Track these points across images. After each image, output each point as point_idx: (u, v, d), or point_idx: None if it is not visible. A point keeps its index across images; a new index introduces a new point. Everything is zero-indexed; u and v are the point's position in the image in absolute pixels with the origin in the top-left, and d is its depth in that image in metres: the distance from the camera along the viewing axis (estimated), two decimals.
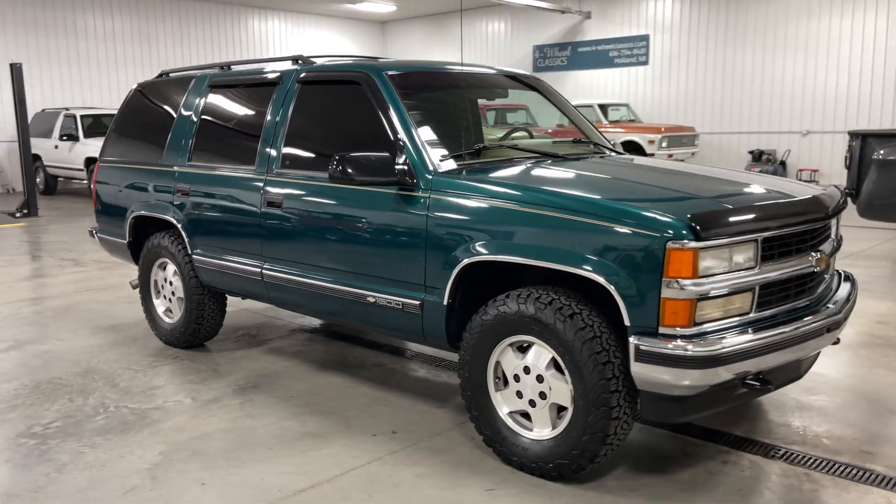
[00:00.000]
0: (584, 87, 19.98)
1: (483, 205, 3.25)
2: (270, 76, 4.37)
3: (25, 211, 12.29)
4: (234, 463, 3.34)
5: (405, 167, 3.47)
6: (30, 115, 14.63)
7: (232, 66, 4.83)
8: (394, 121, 3.62)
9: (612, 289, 2.86)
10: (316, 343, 5.18)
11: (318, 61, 4.37)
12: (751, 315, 2.94)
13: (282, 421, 3.81)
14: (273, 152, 4.16)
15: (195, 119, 4.75)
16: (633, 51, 19.19)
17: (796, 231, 3.07)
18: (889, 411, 3.90)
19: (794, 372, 3.28)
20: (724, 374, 2.81)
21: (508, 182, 3.33)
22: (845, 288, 3.60)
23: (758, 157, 17.37)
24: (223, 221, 4.46)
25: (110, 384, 4.37)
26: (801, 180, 16.23)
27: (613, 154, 4.29)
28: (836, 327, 3.18)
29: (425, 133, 3.64)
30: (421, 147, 3.53)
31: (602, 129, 16.74)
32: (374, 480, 3.17)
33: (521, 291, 3.13)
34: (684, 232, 2.71)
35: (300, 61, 4.32)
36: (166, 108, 5.03)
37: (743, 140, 17.77)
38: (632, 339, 2.82)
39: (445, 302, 3.37)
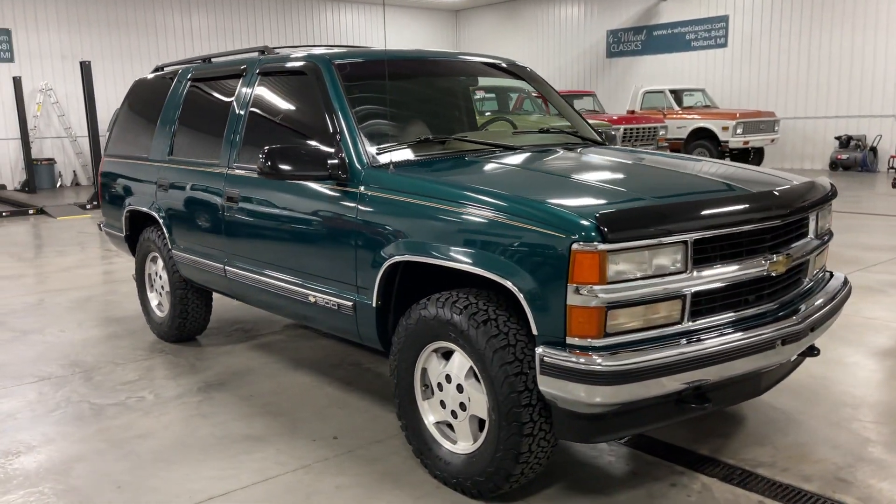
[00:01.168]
0: (658, 72, 19.22)
1: (404, 201, 3.06)
2: (237, 68, 4.29)
3: (95, 203, 12.82)
4: (162, 465, 3.28)
5: (339, 161, 3.31)
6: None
7: (212, 59, 4.78)
8: (333, 112, 3.46)
9: (519, 294, 2.62)
10: (304, 339, 5.10)
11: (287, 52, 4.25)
12: (682, 325, 2.63)
13: (231, 421, 3.74)
14: (233, 146, 4.08)
15: (176, 113, 4.74)
16: (711, 33, 18.30)
17: (744, 231, 2.73)
18: (881, 430, 3.46)
19: (750, 388, 2.93)
20: (641, 390, 2.52)
21: (429, 178, 3.10)
22: (827, 293, 3.21)
23: (845, 143, 16.25)
24: (194, 217, 4.42)
25: (86, 378, 4.41)
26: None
27: (591, 146, 3.98)
28: (795, 339, 2.81)
29: (367, 125, 3.46)
30: (357, 140, 3.35)
31: (673, 117, 16.08)
32: (291, 490, 3.04)
33: (441, 295, 2.92)
34: (591, 233, 2.43)
35: (265, 52, 4.22)
36: (156, 102, 5.04)
37: (830, 125, 16.67)
38: (538, 350, 2.56)
39: (374, 304, 3.19)
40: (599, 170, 3.35)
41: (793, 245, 2.97)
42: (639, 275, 2.51)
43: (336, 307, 3.40)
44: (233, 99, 4.20)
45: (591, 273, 2.44)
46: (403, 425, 3.16)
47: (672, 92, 16.67)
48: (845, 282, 3.45)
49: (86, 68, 12.86)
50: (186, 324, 4.91)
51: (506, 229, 2.67)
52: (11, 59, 16.73)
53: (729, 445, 3.34)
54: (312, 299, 3.54)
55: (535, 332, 2.60)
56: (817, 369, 4.21)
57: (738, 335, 2.69)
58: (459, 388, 2.91)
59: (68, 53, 17.20)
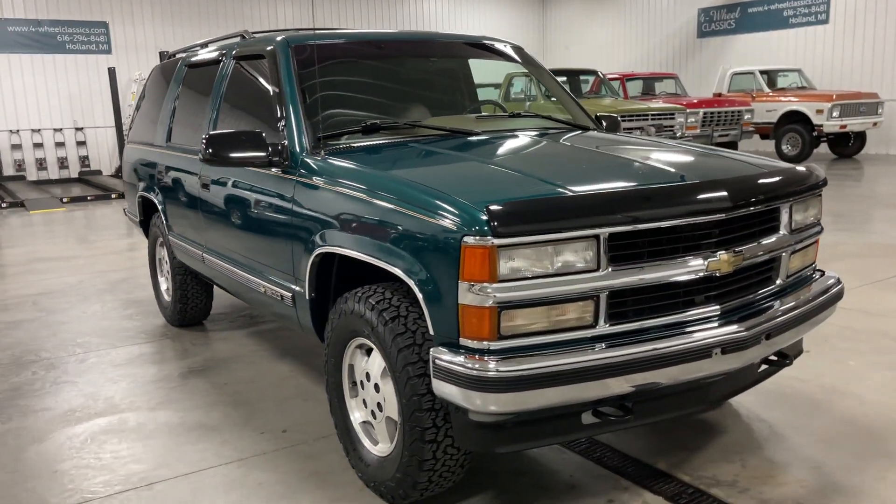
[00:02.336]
0: (753, 51, 18.14)
1: (326, 189, 2.92)
2: (218, 54, 4.25)
3: None
4: (113, 452, 3.29)
5: (280, 147, 3.20)
6: None
7: (209, 45, 4.78)
8: (281, 96, 3.36)
9: (415, 289, 2.44)
10: None
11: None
12: (597, 328, 2.37)
13: (193, 409, 3.72)
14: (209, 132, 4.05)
15: (173, 100, 4.77)
16: (812, 8, 17.10)
17: (677, 225, 2.43)
18: (878, 452, 3.05)
19: (694, 399, 2.63)
20: (542, 399, 2.28)
21: (350, 165, 2.91)
22: (804, 295, 2.85)
23: None
24: (182, 203, 4.43)
25: (80, 360, 4.52)
26: None
27: (573, 132, 3.69)
28: (738, 347, 2.49)
29: (314, 109, 3.33)
30: (300, 125, 3.23)
31: (763, 99, 15.13)
32: (214, 484, 2.97)
33: (360, 289, 2.77)
34: (482, 226, 2.21)
35: (245, 36, 4.16)
36: (163, 89, 5.09)
37: None
38: (431, 351, 2.37)
39: (308, 295, 3.08)
40: (542, 157, 3.09)
41: (749, 241, 2.63)
42: (539, 272, 2.27)
43: (280, 297, 3.31)
44: (213, 85, 4.17)
45: (482, 270, 2.23)
46: (335, 423, 3.03)
47: (764, 73, 15.68)
48: (835, 283, 3.06)
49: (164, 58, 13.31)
50: (187, 309, 4.96)
51: (404, 219, 2.49)
52: (109, 51, 17.59)
53: (692, 460, 3.04)
54: (262, 288, 3.47)
55: (430, 331, 2.42)
56: (829, 379, 3.79)
57: (665, 342, 2.40)
58: (377, 388, 2.75)
59: (161, 45, 17.90)
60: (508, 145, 3.22)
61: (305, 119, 3.24)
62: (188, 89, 4.62)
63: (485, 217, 2.21)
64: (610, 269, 2.34)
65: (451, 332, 2.34)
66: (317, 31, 3.81)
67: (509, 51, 4.18)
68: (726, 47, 18.81)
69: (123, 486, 2.98)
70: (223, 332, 4.98)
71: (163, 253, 5.17)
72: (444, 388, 2.33)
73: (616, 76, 15.13)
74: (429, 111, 3.66)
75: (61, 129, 17.20)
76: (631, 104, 12.02)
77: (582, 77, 13.80)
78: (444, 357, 2.31)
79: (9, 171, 16.57)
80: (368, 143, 3.21)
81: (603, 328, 2.38)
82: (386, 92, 3.70)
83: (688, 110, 12.78)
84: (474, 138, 3.28)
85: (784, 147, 14.97)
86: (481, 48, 4.13)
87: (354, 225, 2.73)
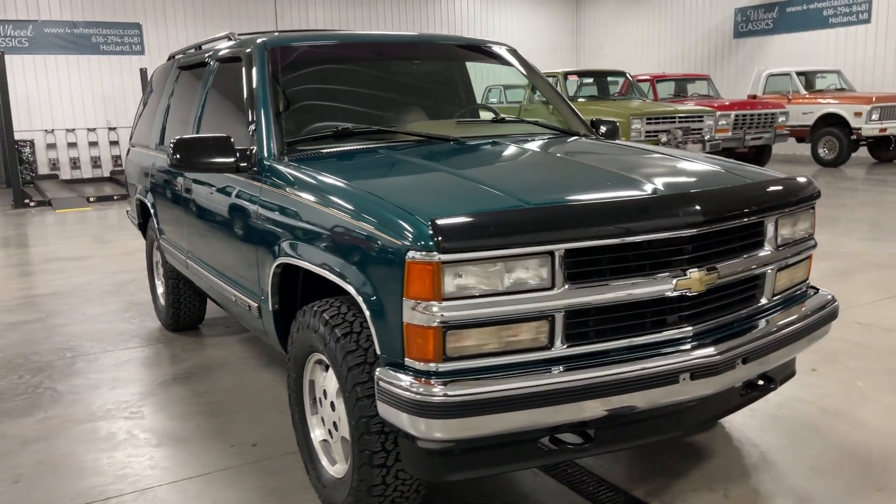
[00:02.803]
0: (791, 52, 17.65)
1: (286, 197, 2.81)
2: (204, 57, 4.18)
3: None
4: (72, 462, 3.23)
5: (249, 151, 3.10)
6: None
7: (202, 46, 4.71)
8: (253, 99, 3.26)
9: (362, 306, 2.31)
10: None
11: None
12: (553, 350, 2.22)
13: (167, 419, 3.65)
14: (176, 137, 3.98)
15: (167, 102, 4.72)
16: (852, 7, 16.57)
17: (641, 241, 2.26)
18: (873, 484, 2.84)
19: (665, 426, 2.45)
20: (492, 425, 2.14)
21: (311, 172, 2.77)
22: (792, 315, 2.66)
23: None
24: (169, 207, 4.38)
25: (67, 364, 4.49)
26: None
27: (557, 138, 3.51)
28: (709, 372, 2.31)
29: (289, 114, 3.23)
30: (270, 129, 3.12)
31: (800, 101, 14.70)
32: (170, 500, 2.88)
33: (318, 302, 2.66)
34: (426, 241, 2.08)
35: (229, 38, 4.07)
36: (161, 91, 5.05)
37: None
38: (377, 372, 2.24)
39: (271, 307, 2.97)
40: (511, 167, 2.93)
41: (727, 258, 2.45)
42: (487, 291, 2.13)
43: (248, 307, 3.22)
44: (198, 88, 4.10)
45: (427, 287, 2.09)
46: (297, 439, 2.92)
47: (801, 74, 15.22)
48: (829, 301, 2.86)
49: None
50: (181, 313, 4.90)
51: (353, 231, 2.37)
52: (142, 52, 17.80)
53: (673, 487, 2.86)
54: (234, 297, 3.38)
55: (378, 350, 2.29)
56: (833, 400, 3.57)
57: (627, 366, 2.24)
58: (332, 406, 2.64)
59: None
60: (481, 153, 3.07)
61: (275, 123, 3.14)
62: (179, 91, 4.56)
63: (430, 231, 2.08)
64: (566, 288, 2.19)
65: (396, 352, 2.21)
66: (302, 33, 3.72)
67: (503, 53, 4.03)
68: (763, 48, 18.34)
69: (75, 501, 2.90)
70: (216, 338, 4.91)
71: (158, 256, 5.12)
72: (388, 412, 2.20)
73: (646, 77, 14.83)
74: (412, 116, 3.53)
75: (95, 129, 17.46)
76: (658, 106, 11.74)
77: (610, 78, 13.53)
78: (388, 379, 2.19)
79: (43, 169, 16.87)
80: (339, 150, 3.09)
81: (559, 350, 2.23)
82: (368, 96, 3.58)
83: (718, 113, 12.44)
84: (449, 145, 3.14)
85: (821, 151, 14.52)
86: (472, 50, 3.99)
87: (309, 235, 2.62)
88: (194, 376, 4.22)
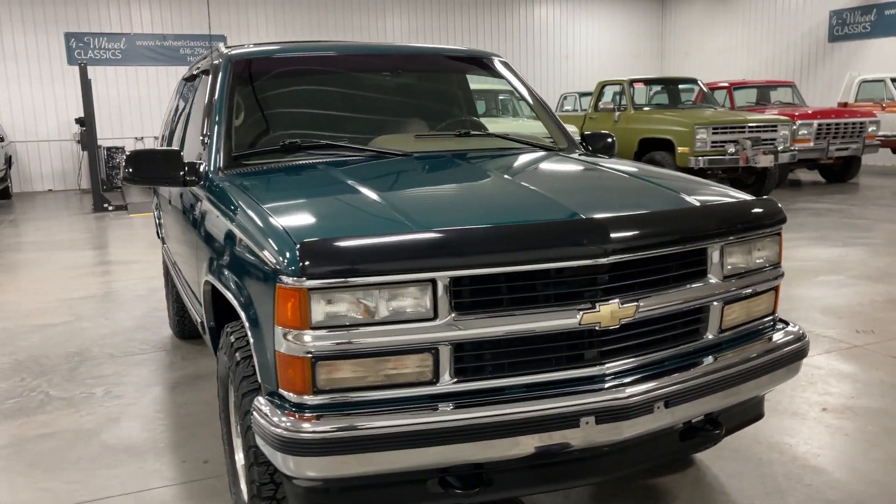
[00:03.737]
0: (890, 57, 16.50)
1: (212, 213, 2.75)
2: (201, 68, 4.20)
3: None
4: (36, 469, 3.27)
5: (197, 165, 3.06)
6: None
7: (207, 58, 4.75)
8: (210, 111, 3.23)
9: (247, 330, 2.22)
10: None
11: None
12: (438, 386, 2.06)
13: (136, 429, 3.67)
14: (179, 146, 4.01)
15: (176, 111, 4.79)
16: None
17: (544, 269, 2.07)
18: None
19: (586, 472, 2.23)
20: (366, 465, 2.00)
21: (232, 188, 2.68)
22: (741, 353, 2.39)
23: None
24: (164, 216, 4.44)
25: (72, 368, 4.60)
26: None
27: (524, 153, 3.28)
28: (617, 416, 2.08)
29: (237, 126, 3.18)
30: (219, 142, 3.08)
31: (895, 109, 13.72)
32: None
33: (234, 323, 2.58)
34: (293, 266, 1.96)
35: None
36: (173, 102, 5.14)
37: None
38: (255, 402, 2.14)
39: (207, 325, 2.92)
40: (431, 186, 2.75)
41: (653, 289, 2.22)
42: (361, 320, 1.99)
43: (198, 322, 3.19)
44: (188, 100, 4.13)
45: (295, 315, 1.98)
46: (225, 459, 2.85)
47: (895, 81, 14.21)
48: (794, 339, 2.55)
49: None
50: (185, 321, 4.96)
51: (244, 251, 2.29)
52: None
53: None
54: (192, 310, 3.36)
55: (258, 378, 2.19)
56: (821, 447, 3.22)
57: (519, 406, 2.05)
58: None
59: None
60: (418, 170, 2.91)
61: (224, 137, 3.09)
62: (181, 103, 4.61)
63: (297, 255, 1.96)
64: (452, 319, 2.02)
65: (272, 382, 2.10)
66: (282, 44, 3.67)
67: (487, 63, 3.86)
68: (859, 53, 17.24)
69: None
70: None
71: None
72: (262, 445, 2.09)
73: (724, 85, 14.18)
74: (378, 129, 3.40)
75: None
76: (727, 115, 11.16)
77: (682, 86, 12.99)
78: (261, 410, 2.07)
79: None
80: (281, 165, 3.01)
81: (447, 386, 2.06)
82: (332, 108, 3.49)
83: (797, 122, 11.74)
84: (396, 161, 2.99)
85: None
86: (452, 60, 3.84)
87: (219, 253, 2.56)
88: (180, 386, 4.24)
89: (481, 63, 3.92)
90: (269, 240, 2.10)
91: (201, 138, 3.18)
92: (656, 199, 2.50)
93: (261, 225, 2.22)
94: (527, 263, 2.05)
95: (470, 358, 2.08)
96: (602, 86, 12.49)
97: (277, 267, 2.00)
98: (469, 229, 2.09)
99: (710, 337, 2.39)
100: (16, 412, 3.94)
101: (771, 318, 2.60)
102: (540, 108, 3.75)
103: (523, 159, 3.13)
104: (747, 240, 2.43)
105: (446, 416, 2.01)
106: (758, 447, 3.23)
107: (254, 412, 2.10)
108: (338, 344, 1.98)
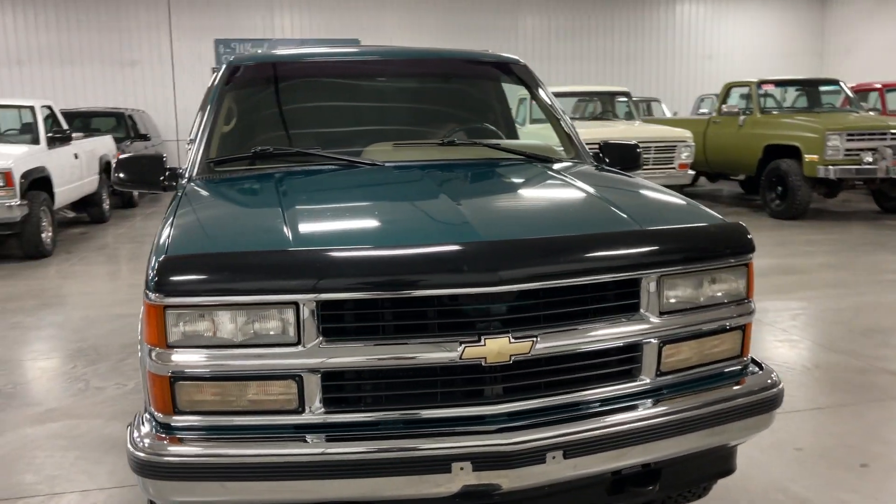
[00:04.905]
0: None
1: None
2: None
3: None
4: (22, 459, 3.45)
5: (179, 171, 3.08)
6: None
7: None
8: (199, 117, 3.24)
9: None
10: None
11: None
12: (305, 415, 1.92)
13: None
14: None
15: None
16: None
17: (422, 297, 1.88)
18: None
19: None
20: (220, 494, 1.90)
21: (188, 198, 2.63)
22: (692, 398, 2.08)
23: None
24: None
25: (119, 360, 4.83)
26: None
27: (508, 165, 3.03)
28: (497, 464, 1.86)
29: (225, 134, 3.18)
30: (200, 148, 3.07)
31: None
32: None
33: None
34: (152, 282, 1.90)
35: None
36: None
37: None
38: (135, 420, 2.09)
39: None
40: (364, 200, 2.59)
41: (558, 324, 1.97)
42: (217, 342, 1.89)
43: None
44: None
45: (154, 332, 1.92)
46: None
47: None
48: (765, 386, 2.19)
49: None
50: None
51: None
52: None
53: None
54: None
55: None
56: None
57: (381, 443, 1.88)
58: None
59: None
60: (366, 182, 2.73)
61: (205, 143, 3.09)
62: None
63: (156, 270, 1.89)
64: (319, 345, 1.88)
65: (147, 402, 2.04)
66: (286, 52, 3.65)
67: (498, 69, 3.65)
68: None
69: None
70: None
71: None
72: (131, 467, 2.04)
73: (876, 86, 12.84)
74: (370, 137, 3.27)
75: None
76: (864, 121, 10.06)
77: (823, 88, 11.86)
78: (136, 430, 2.02)
79: None
80: (244, 173, 2.94)
81: (313, 416, 1.93)
82: (323, 115, 3.41)
83: None
84: (356, 171, 2.85)
85: None
86: (461, 64, 3.65)
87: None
88: None
89: (495, 66, 3.70)
90: (154, 252, 2.04)
91: (188, 144, 3.20)
92: (595, 221, 2.22)
93: (161, 235, 2.17)
94: (400, 289, 1.87)
95: (342, 388, 1.93)
96: (728, 88, 11.66)
97: (146, 281, 1.95)
98: (333, 251, 1.93)
99: (645, 380, 2.09)
100: (45, 397, 4.17)
101: (736, 361, 2.25)
102: (551, 115, 3.49)
103: (485, 172, 2.91)
104: (697, 271, 2.11)
105: (305, 448, 1.88)
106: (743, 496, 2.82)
107: (128, 428, 2.06)
108: (195, 365, 1.90)
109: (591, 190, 2.50)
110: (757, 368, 2.28)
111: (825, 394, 3.98)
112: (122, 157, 3.15)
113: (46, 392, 4.28)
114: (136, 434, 1.97)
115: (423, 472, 1.87)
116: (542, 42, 19.82)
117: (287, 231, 2.07)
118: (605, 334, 2.01)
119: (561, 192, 2.63)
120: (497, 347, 1.89)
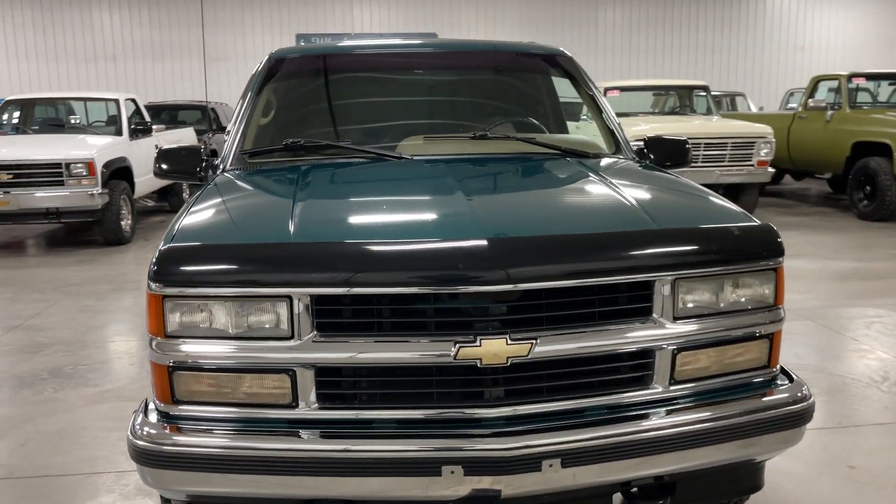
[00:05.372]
0: None
1: None
2: None
3: None
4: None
5: (217, 162, 3.12)
6: None
7: None
8: (237, 109, 3.27)
9: None
10: None
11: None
12: (299, 410, 1.90)
13: None
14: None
15: None
16: None
17: (421, 294, 1.84)
18: None
19: None
20: (213, 485, 1.91)
21: (212, 189, 2.65)
22: (709, 409, 1.97)
23: None
24: None
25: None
26: None
27: (544, 161, 2.92)
28: (492, 469, 1.79)
29: (265, 125, 3.20)
30: (234, 139, 3.11)
31: None
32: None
33: None
34: (153, 270, 1.92)
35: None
36: None
37: None
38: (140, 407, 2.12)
39: None
40: (379, 194, 2.53)
41: (564, 326, 1.88)
42: (213, 333, 1.90)
43: None
44: None
45: (154, 321, 1.94)
46: None
47: None
48: (792, 400, 2.04)
49: None
50: None
51: None
52: None
53: None
54: None
55: None
56: None
57: (372, 444, 1.84)
58: None
59: None
60: (387, 176, 2.69)
61: (241, 135, 3.12)
62: None
63: (154, 261, 1.91)
64: (313, 340, 1.86)
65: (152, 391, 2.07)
66: (327, 44, 3.64)
67: (543, 62, 3.54)
68: None
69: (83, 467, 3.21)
70: None
71: None
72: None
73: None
74: (407, 130, 3.22)
75: None
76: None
77: None
78: (139, 416, 2.05)
79: None
80: (276, 164, 2.95)
81: (309, 412, 1.91)
82: (362, 109, 3.39)
83: None
84: (383, 164, 2.81)
85: None
86: (503, 57, 3.56)
87: None
88: None
89: (540, 58, 3.59)
90: (162, 241, 2.06)
91: (225, 135, 3.24)
92: (609, 220, 2.12)
93: (172, 226, 2.19)
94: (394, 286, 1.83)
95: (336, 384, 1.90)
96: (816, 81, 11.07)
97: (148, 271, 1.96)
98: (327, 245, 1.90)
99: (658, 388, 1.98)
100: (90, 378, 4.33)
101: (763, 371, 2.10)
102: (594, 109, 3.36)
103: (511, 166, 2.82)
104: (717, 275, 1.98)
105: (297, 444, 1.87)
106: None
107: (134, 417, 2.08)
108: (192, 356, 1.91)
109: (615, 187, 2.38)
110: (787, 380, 2.13)
111: (889, 410, 3.71)
112: (163, 148, 3.21)
113: (103, 375, 4.44)
114: (137, 422, 2.00)
115: (414, 474, 1.82)
116: (623, 34, 19.38)
117: (291, 224, 2.06)
118: (613, 339, 1.91)
119: (583, 188, 2.53)
120: (493, 349, 1.82)
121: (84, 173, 8.34)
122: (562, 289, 1.87)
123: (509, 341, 1.83)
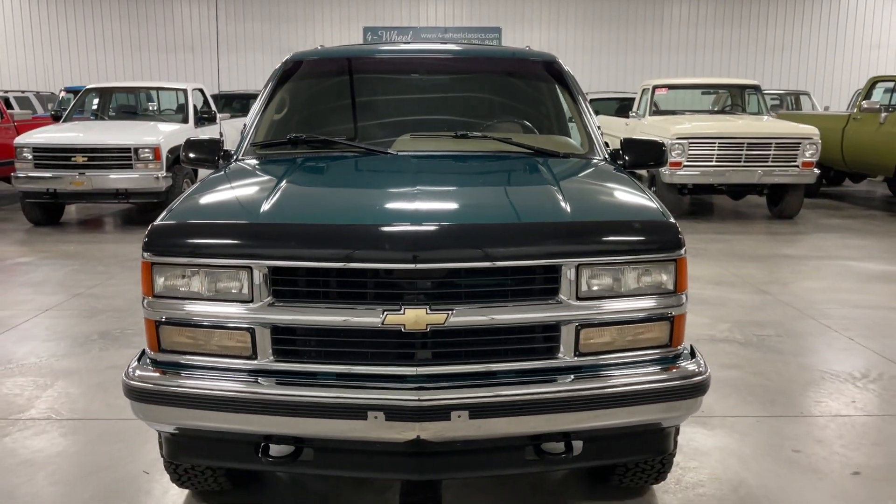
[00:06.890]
0: None
1: None
2: None
3: None
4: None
5: (231, 152, 3.54)
6: None
7: None
8: (256, 105, 3.67)
9: None
10: None
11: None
12: (257, 361, 2.30)
13: None
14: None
15: None
16: None
17: (354, 269, 2.20)
18: None
19: (399, 467, 2.32)
20: (187, 419, 2.33)
21: (222, 174, 3.08)
22: (596, 378, 2.27)
23: None
24: None
25: None
26: None
27: (518, 159, 3.23)
28: (407, 416, 2.14)
29: (276, 120, 3.60)
30: (248, 131, 3.53)
31: None
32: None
33: None
34: (145, 242, 2.35)
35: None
36: None
37: None
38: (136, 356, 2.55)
39: None
40: (349, 185, 2.90)
41: (477, 300, 2.21)
42: (188, 294, 2.31)
43: None
44: None
45: (145, 284, 2.37)
46: None
47: None
48: (687, 374, 2.32)
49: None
50: None
51: None
52: None
53: None
54: None
55: None
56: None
57: (314, 391, 2.22)
58: None
59: (553, 48, 19.02)
60: (366, 168, 3.07)
61: (254, 128, 3.53)
62: None
63: (146, 235, 2.33)
64: (268, 304, 2.25)
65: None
66: (344, 47, 4.03)
67: (533, 67, 3.83)
68: None
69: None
70: None
71: None
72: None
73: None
74: (403, 129, 3.57)
75: None
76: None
77: None
78: (132, 363, 2.47)
79: None
80: (277, 156, 3.33)
81: (264, 362, 2.30)
82: (366, 108, 3.76)
83: None
84: (369, 158, 3.18)
85: None
86: (494, 62, 3.87)
87: None
88: None
89: (530, 64, 3.89)
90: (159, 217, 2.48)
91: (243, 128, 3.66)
92: (531, 211, 2.43)
93: (171, 205, 2.61)
94: (334, 261, 2.20)
95: (289, 342, 2.28)
96: (873, 82, 10.90)
97: (142, 242, 2.39)
98: (282, 224, 2.29)
99: (565, 358, 2.29)
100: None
101: (665, 349, 2.38)
102: (576, 113, 3.64)
103: (478, 164, 3.14)
104: (616, 263, 2.27)
105: (255, 388, 2.25)
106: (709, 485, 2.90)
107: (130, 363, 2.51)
108: (172, 313, 2.32)
109: (556, 183, 2.68)
110: (691, 358, 2.40)
111: None
112: (189, 139, 3.65)
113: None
114: (131, 366, 2.42)
115: (345, 417, 2.19)
116: (690, 31, 19.21)
117: (263, 206, 2.45)
118: (521, 314, 2.23)
119: (526, 183, 2.84)
120: (414, 317, 2.17)
121: (150, 158, 9.03)
122: (476, 269, 2.20)
123: (429, 311, 2.17)
